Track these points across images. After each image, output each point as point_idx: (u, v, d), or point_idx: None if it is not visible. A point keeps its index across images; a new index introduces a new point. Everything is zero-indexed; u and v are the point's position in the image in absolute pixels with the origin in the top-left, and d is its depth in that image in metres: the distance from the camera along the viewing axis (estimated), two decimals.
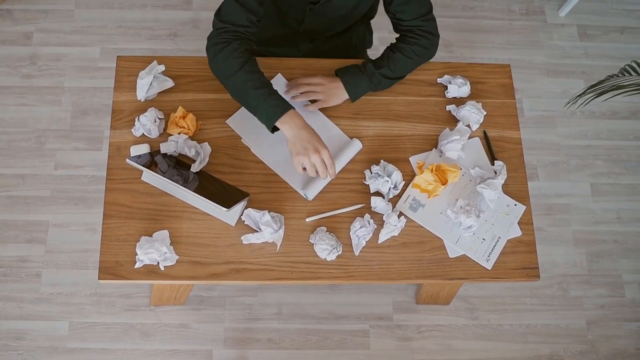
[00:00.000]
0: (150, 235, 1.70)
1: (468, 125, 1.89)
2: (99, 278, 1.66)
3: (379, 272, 1.73)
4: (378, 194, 1.80)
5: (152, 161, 1.70)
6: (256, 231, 1.72)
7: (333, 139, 1.84)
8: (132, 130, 1.79)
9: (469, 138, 1.89)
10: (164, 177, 1.63)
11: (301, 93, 1.84)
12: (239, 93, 1.67)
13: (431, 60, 1.99)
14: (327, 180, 1.77)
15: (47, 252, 2.41)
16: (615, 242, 2.61)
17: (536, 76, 2.86)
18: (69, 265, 2.40)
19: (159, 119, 1.79)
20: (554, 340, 2.45)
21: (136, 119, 1.77)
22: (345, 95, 1.84)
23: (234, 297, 2.40)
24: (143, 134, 1.79)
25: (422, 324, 2.42)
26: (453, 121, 1.90)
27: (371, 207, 1.77)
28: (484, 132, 1.90)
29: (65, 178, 2.51)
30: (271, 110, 1.64)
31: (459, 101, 1.92)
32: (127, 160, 1.65)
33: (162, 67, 1.80)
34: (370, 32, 2.13)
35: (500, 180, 1.79)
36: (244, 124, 1.83)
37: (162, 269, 1.67)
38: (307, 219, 1.75)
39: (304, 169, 1.69)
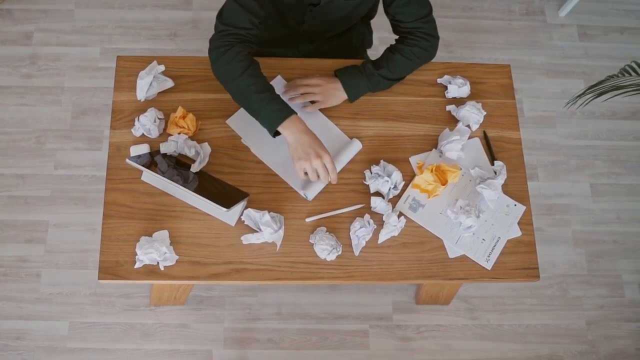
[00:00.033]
0: (150, 235, 1.70)
1: (468, 126, 1.89)
2: (99, 278, 1.66)
3: (379, 273, 1.73)
4: (378, 194, 1.80)
5: (152, 161, 1.70)
6: (256, 231, 1.72)
7: (333, 139, 1.84)
8: (132, 130, 1.79)
9: (469, 138, 1.89)
10: (164, 177, 1.63)
11: (300, 94, 1.84)
12: (241, 97, 1.67)
13: (431, 60, 1.99)
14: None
15: (47, 252, 2.41)
16: (615, 243, 2.61)
17: (536, 76, 2.86)
18: (68, 265, 2.40)
19: (159, 119, 1.79)
20: (554, 341, 2.45)
21: (136, 119, 1.77)
22: (344, 96, 1.84)
23: (234, 297, 2.40)
24: (143, 134, 1.79)
25: (422, 324, 2.42)
26: (453, 121, 1.90)
27: (371, 207, 1.77)
28: (484, 132, 1.90)
29: (65, 178, 2.51)
30: (273, 114, 1.64)
31: (459, 101, 1.92)
32: (127, 160, 1.65)
33: (162, 67, 1.80)
34: (370, 32, 2.13)
35: (500, 180, 1.79)
36: (243, 124, 1.83)
37: (162, 269, 1.67)
38: (307, 219, 1.75)
39: (306, 173, 1.69)
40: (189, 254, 1.70)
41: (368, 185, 1.80)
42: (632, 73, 2.06)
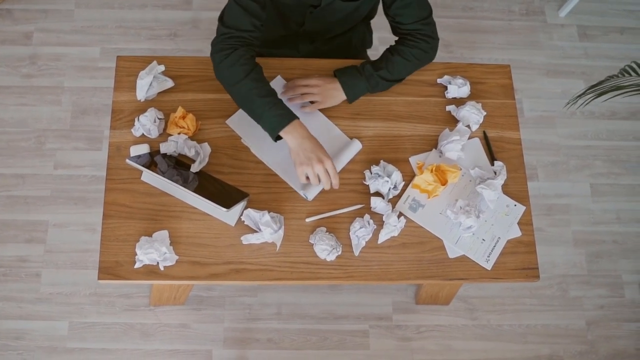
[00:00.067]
0: (150, 236, 1.70)
1: (468, 126, 1.89)
2: (99, 278, 1.66)
3: (379, 273, 1.73)
4: (378, 194, 1.80)
5: (151, 161, 1.70)
6: (256, 231, 1.72)
7: (333, 139, 1.84)
8: (132, 130, 1.79)
9: (469, 138, 1.89)
10: (164, 177, 1.63)
11: (299, 94, 1.84)
12: (244, 101, 1.68)
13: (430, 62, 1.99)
14: None
15: (47, 252, 2.41)
16: (615, 243, 2.61)
17: (536, 76, 2.86)
18: (68, 265, 2.40)
19: (159, 119, 1.79)
20: (554, 341, 2.45)
21: (136, 119, 1.77)
22: (342, 96, 1.84)
23: (234, 297, 2.40)
24: (143, 134, 1.79)
25: (422, 324, 2.42)
26: (453, 121, 1.90)
27: (371, 207, 1.77)
28: (484, 133, 1.90)
29: (65, 178, 2.51)
30: (276, 119, 1.65)
31: (459, 101, 1.92)
32: (127, 161, 1.65)
33: (162, 67, 1.80)
34: (370, 32, 2.13)
35: (500, 180, 1.79)
36: (243, 124, 1.83)
37: (162, 269, 1.67)
38: (307, 219, 1.75)
39: (307, 177, 1.69)
40: (188, 254, 1.70)
41: (368, 185, 1.80)
42: (632, 73, 2.06)
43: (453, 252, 1.77)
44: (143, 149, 1.72)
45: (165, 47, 2.75)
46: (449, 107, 1.90)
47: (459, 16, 2.94)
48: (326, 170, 1.66)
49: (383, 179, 1.76)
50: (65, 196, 2.48)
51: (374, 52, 2.48)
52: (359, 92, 1.84)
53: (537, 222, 2.60)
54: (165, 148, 1.75)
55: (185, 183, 1.64)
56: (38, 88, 2.63)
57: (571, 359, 2.43)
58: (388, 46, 1.89)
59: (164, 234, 1.70)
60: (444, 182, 1.79)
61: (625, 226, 2.64)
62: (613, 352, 2.45)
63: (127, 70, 1.86)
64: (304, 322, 2.39)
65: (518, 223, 1.81)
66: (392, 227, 1.72)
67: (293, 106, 1.84)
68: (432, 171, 1.78)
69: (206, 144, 1.79)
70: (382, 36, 2.66)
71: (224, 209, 1.56)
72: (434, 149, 1.86)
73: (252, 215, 1.70)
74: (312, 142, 1.66)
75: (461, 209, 1.76)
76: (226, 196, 1.66)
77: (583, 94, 2.12)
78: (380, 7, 2.15)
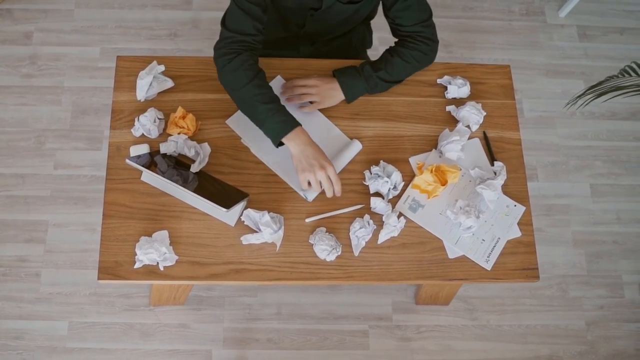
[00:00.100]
0: (150, 236, 1.70)
1: (468, 126, 1.89)
2: (99, 278, 1.66)
3: (379, 273, 1.73)
4: (378, 194, 1.80)
5: (151, 161, 1.70)
6: (256, 231, 1.72)
7: (333, 139, 1.84)
8: (132, 130, 1.79)
9: (469, 139, 1.89)
10: (164, 177, 1.63)
11: (297, 95, 1.84)
12: (247, 106, 1.68)
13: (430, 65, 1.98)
14: None
15: (47, 252, 2.41)
16: (615, 243, 2.61)
17: (536, 77, 2.86)
18: (68, 265, 2.40)
19: (159, 119, 1.79)
20: (554, 341, 2.45)
21: (136, 119, 1.77)
22: (341, 96, 1.84)
23: (234, 297, 2.40)
24: (143, 134, 1.79)
25: (422, 325, 2.42)
26: (453, 122, 1.90)
27: (371, 207, 1.77)
28: (484, 133, 1.90)
29: (65, 178, 2.51)
30: (278, 126, 1.65)
31: (459, 102, 1.92)
32: (127, 161, 1.65)
33: (162, 67, 1.80)
34: (370, 33, 2.13)
35: (500, 181, 1.79)
36: (243, 124, 1.83)
37: (162, 269, 1.67)
38: (307, 220, 1.75)
39: (309, 184, 1.70)
40: (188, 254, 1.70)
41: (368, 185, 1.80)
42: (632, 74, 2.06)
43: (453, 252, 1.77)
44: (143, 149, 1.72)
45: (165, 47, 2.75)
46: (448, 108, 1.90)
47: (459, 16, 2.94)
48: (328, 177, 1.66)
49: (383, 179, 1.76)
50: (65, 196, 2.48)
51: (374, 52, 2.49)
52: (357, 92, 1.84)
53: (537, 223, 2.60)
54: (165, 148, 1.75)
55: (185, 183, 1.64)
56: (38, 88, 2.63)
57: (571, 359, 2.43)
58: (388, 47, 1.89)
59: (163, 234, 1.70)
60: (443, 183, 1.79)
61: (625, 226, 2.64)
62: (613, 353, 2.45)
63: (127, 70, 1.86)
64: (303, 322, 2.39)
65: (518, 223, 1.81)
66: (392, 228, 1.72)
67: (291, 106, 1.84)
68: (432, 171, 1.78)
69: (206, 144, 1.79)
70: (382, 36, 2.66)
71: (224, 209, 1.56)
72: (433, 149, 1.86)
73: (252, 216, 1.70)
74: (314, 148, 1.67)
75: (461, 209, 1.76)
76: (226, 196, 1.66)
77: (583, 94, 2.12)
78: (380, 8, 2.15)
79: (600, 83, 2.08)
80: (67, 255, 2.41)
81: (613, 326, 2.49)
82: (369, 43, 2.13)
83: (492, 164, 1.86)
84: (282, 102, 1.84)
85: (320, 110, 1.87)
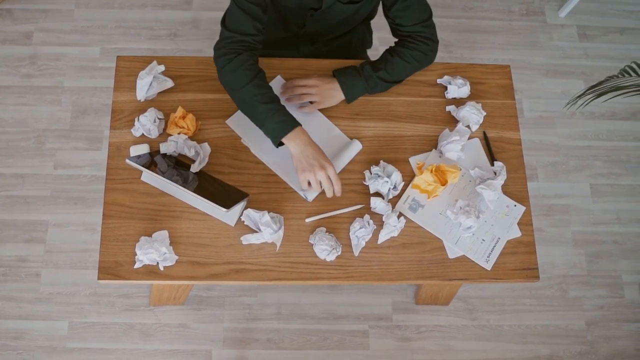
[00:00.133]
0: (150, 236, 1.70)
1: (468, 126, 1.89)
2: (99, 278, 1.66)
3: (379, 273, 1.73)
4: (378, 194, 1.80)
5: (151, 161, 1.70)
6: (256, 231, 1.72)
7: (333, 139, 1.84)
8: (132, 130, 1.79)
9: (469, 139, 1.89)
10: (164, 177, 1.63)
11: (297, 95, 1.84)
12: (247, 106, 1.68)
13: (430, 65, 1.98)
14: None
15: (47, 252, 2.41)
16: (615, 243, 2.61)
17: (536, 77, 2.86)
18: (68, 265, 2.40)
19: (159, 119, 1.79)
20: (554, 341, 2.45)
21: (136, 119, 1.77)
22: (341, 96, 1.84)
23: (234, 297, 2.40)
24: (143, 134, 1.79)
25: (422, 325, 2.42)
26: (453, 122, 1.90)
27: (371, 207, 1.77)
28: (484, 133, 1.90)
29: (65, 178, 2.51)
30: (278, 126, 1.65)
31: (459, 102, 1.92)
32: (127, 161, 1.65)
33: (162, 67, 1.80)
34: (370, 33, 2.13)
35: (500, 181, 1.79)
36: (243, 124, 1.83)
37: (162, 269, 1.67)
38: (307, 220, 1.75)
39: (309, 184, 1.70)
40: (188, 254, 1.70)
41: (368, 185, 1.80)
42: (632, 74, 2.06)
43: (453, 252, 1.77)
44: (143, 149, 1.72)
45: (165, 47, 2.75)
46: (448, 108, 1.90)
47: (459, 16, 2.94)
48: (328, 177, 1.66)
49: (383, 179, 1.76)
50: (65, 196, 2.48)
51: (374, 52, 2.49)
52: (357, 92, 1.84)
53: (537, 223, 2.61)
54: (165, 148, 1.75)
55: (185, 183, 1.64)
56: (38, 88, 2.63)
57: (571, 359, 2.43)
58: (388, 46, 1.89)
59: (163, 234, 1.70)
60: (443, 183, 1.79)
61: (625, 227, 2.64)
62: (613, 353, 2.45)
63: (127, 70, 1.86)
64: (303, 322, 2.39)
65: (518, 223, 1.81)
66: (392, 228, 1.72)
67: (291, 106, 1.84)
68: (432, 171, 1.78)
69: (206, 144, 1.79)
70: (382, 36, 2.66)
71: (224, 209, 1.56)
72: (433, 149, 1.86)
73: (252, 216, 1.70)
74: (314, 148, 1.67)
75: (461, 209, 1.76)
76: (226, 196, 1.66)
77: (583, 94, 2.12)
78: (380, 8, 2.15)
79: (600, 83, 2.08)
80: (67, 255, 2.41)
81: (613, 326, 2.49)
82: (369, 43, 2.13)
83: (492, 164, 1.86)
84: (282, 102, 1.84)
85: (320, 110, 1.87)
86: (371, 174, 1.79)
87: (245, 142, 1.81)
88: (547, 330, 2.46)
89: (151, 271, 1.67)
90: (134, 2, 2.82)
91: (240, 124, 1.83)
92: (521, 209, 1.82)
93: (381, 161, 1.81)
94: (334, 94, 1.84)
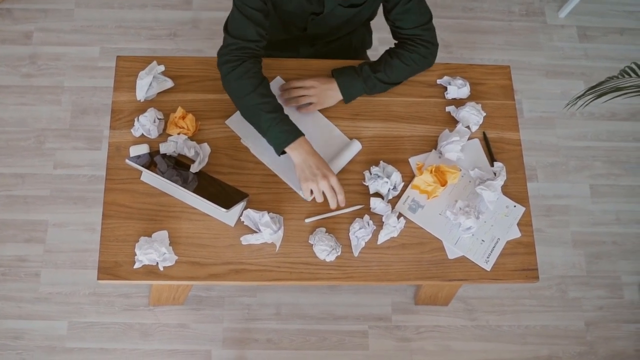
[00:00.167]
0: (150, 236, 1.70)
1: (467, 127, 1.89)
2: (98, 278, 1.66)
3: (378, 273, 1.73)
4: (377, 195, 1.80)
5: (151, 161, 1.70)
6: (255, 232, 1.72)
7: (333, 140, 1.84)
8: (132, 130, 1.79)
9: (469, 139, 1.89)
10: (163, 177, 1.63)
11: (295, 97, 1.84)
12: (250, 114, 1.68)
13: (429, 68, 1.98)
14: None
15: (46, 252, 2.41)
16: (614, 244, 2.61)
17: (536, 77, 2.86)
18: (68, 264, 2.40)
19: (159, 119, 1.79)
20: (553, 342, 2.45)
21: (135, 119, 1.77)
22: (339, 97, 1.85)
23: (233, 297, 2.40)
24: (142, 134, 1.79)
25: (421, 325, 2.42)
26: (452, 122, 1.90)
27: (370, 208, 1.77)
28: (484, 134, 1.90)
29: (65, 177, 2.51)
30: (282, 135, 1.66)
31: (459, 102, 1.92)
32: (127, 161, 1.65)
33: (161, 67, 1.80)
34: (370, 33, 2.13)
35: (500, 181, 1.79)
36: (243, 124, 1.83)
37: (161, 269, 1.67)
38: (307, 220, 1.75)
39: (312, 192, 1.70)
40: (188, 254, 1.69)
41: (367, 186, 1.80)
42: (632, 74, 2.06)
43: (452, 253, 1.77)
44: (142, 149, 1.72)
45: (165, 47, 2.75)
46: (448, 108, 1.90)
47: (458, 16, 2.94)
48: (331, 187, 1.66)
49: (383, 180, 1.76)
50: (64, 196, 2.48)
51: (374, 53, 2.48)
52: (355, 92, 1.84)
53: (537, 223, 2.61)
54: (165, 148, 1.75)
55: (184, 183, 1.64)
56: (38, 88, 2.63)
57: (570, 359, 2.43)
58: (387, 47, 1.89)
59: (163, 235, 1.69)
60: (443, 183, 1.79)
61: (625, 227, 2.64)
62: (612, 353, 2.45)
63: (127, 70, 1.86)
64: (303, 322, 2.39)
65: (517, 224, 1.81)
66: (392, 228, 1.72)
67: (290, 108, 1.84)
68: (431, 172, 1.78)
69: (206, 144, 1.79)
70: (381, 37, 2.65)
71: (224, 210, 1.56)
72: (433, 150, 1.86)
73: (252, 216, 1.70)
74: (317, 158, 1.67)
75: (461, 209, 1.76)
76: (226, 196, 1.66)
77: (583, 95, 2.12)
78: (380, 9, 2.15)
79: (600, 84, 2.08)
80: (67, 255, 2.41)
81: (612, 327, 2.49)
82: (368, 44, 2.13)
83: (492, 165, 1.86)
84: (280, 103, 1.84)
85: (320, 110, 1.87)
86: (371, 174, 1.79)
87: (245, 143, 1.81)
88: (547, 330, 2.46)
89: (151, 271, 1.67)
90: (134, 2, 2.82)
91: (240, 125, 1.83)
92: (521, 209, 1.82)
93: (381, 161, 1.80)
94: (332, 94, 1.84)
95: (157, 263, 1.66)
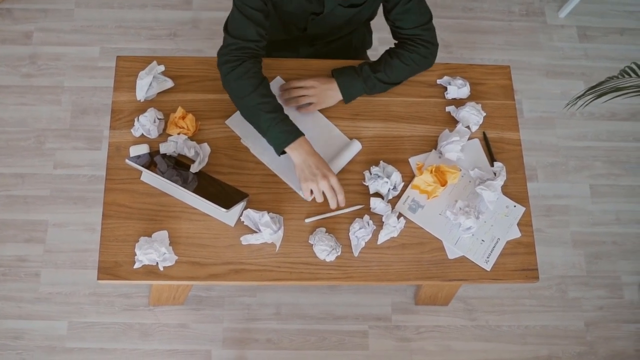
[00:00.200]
0: (150, 236, 1.70)
1: (467, 127, 1.89)
2: (98, 278, 1.66)
3: (378, 273, 1.73)
4: (377, 195, 1.80)
5: (151, 161, 1.70)
6: (255, 232, 1.72)
7: (333, 139, 1.84)
8: (132, 130, 1.79)
9: (469, 139, 1.89)
10: (163, 177, 1.63)
11: (295, 97, 1.84)
12: (250, 114, 1.69)
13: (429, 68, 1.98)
14: None
15: (46, 252, 2.41)
16: (614, 244, 2.61)
17: (536, 77, 2.86)
18: (68, 264, 2.40)
19: (159, 119, 1.79)
20: (553, 342, 2.45)
21: (135, 119, 1.77)
22: (338, 97, 1.85)
23: (233, 297, 2.40)
24: (142, 134, 1.79)
25: (421, 325, 2.42)
26: (452, 122, 1.90)
27: (370, 208, 1.77)
28: (484, 134, 1.90)
29: (65, 177, 2.51)
30: (282, 135, 1.66)
31: (459, 102, 1.92)
32: (127, 161, 1.65)
33: (161, 67, 1.80)
34: (370, 33, 2.13)
35: (500, 181, 1.79)
36: (243, 124, 1.83)
37: (161, 269, 1.67)
38: (307, 220, 1.75)
39: (312, 193, 1.70)
40: (188, 254, 1.69)
41: (367, 186, 1.80)
42: (632, 74, 2.06)
43: (452, 253, 1.77)
44: (142, 149, 1.72)
45: (165, 47, 2.75)
46: (448, 108, 1.90)
47: (458, 16, 2.94)
48: (331, 187, 1.67)
49: (383, 180, 1.76)
50: (64, 196, 2.48)
51: (374, 53, 2.49)
52: (355, 92, 1.84)
53: (537, 223, 2.61)
54: (165, 148, 1.75)
55: (184, 183, 1.64)
56: (38, 88, 2.63)
57: (570, 359, 2.43)
58: (388, 47, 1.89)
59: (163, 235, 1.70)
60: (443, 183, 1.79)
61: (625, 227, 2.64)
62: (612, 353, 2.45)
63: (127, 70, 1.86)
64: (303, 322, 2.39)
65: (517, 224, 1.81)
66: (392, 228, 1.72)
67: (290, 109, 1.84)
68: (431, 172, 1.78)
69: (206, 144, 1.79)
70: (382, 37, 2.65)
71: (224, 210, 1.56)
72: (433, 150, 1.86)
73: (252, 216, 1.70)
74: (317, 158, 1.67)
75: (461, 209, 1.76)
76: (226, 196, 1.66)
77: (583, 95, 2.12)
78: (380, 9, 2.15)
79: (600, 84, 2.08)
80: (67, 255, 2.41)
81: (612, 327, 2.49)
82: (368, 44, 2.13)
83: (492, 165, 1.86)
84: (280, 103, 1.84)
85: (320, 110, 1.87)
86: (371, 174, 1.79)
87: (244, 143, 1.81)
88: (546, 330, 2.46)
89: (151, 271, 1.67)
90: (134, 2, 2.82)
91: (240, 125, 1.83)
92: (521, 209, 1.82)
93: (381, 161, 1.81)
94: (332, 94, 1.84)
95: (157, 263, 1.66)
